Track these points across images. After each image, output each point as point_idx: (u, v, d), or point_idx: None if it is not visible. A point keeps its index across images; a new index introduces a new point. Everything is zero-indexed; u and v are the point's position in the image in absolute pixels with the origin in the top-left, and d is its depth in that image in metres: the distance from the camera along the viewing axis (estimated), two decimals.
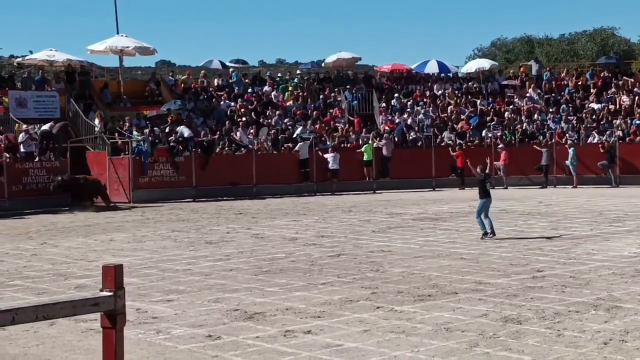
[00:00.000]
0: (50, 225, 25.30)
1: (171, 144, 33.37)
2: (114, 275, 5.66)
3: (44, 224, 25.49)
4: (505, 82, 44.27)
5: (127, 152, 32.42)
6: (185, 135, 33.86)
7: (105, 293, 5.66)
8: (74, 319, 11.00)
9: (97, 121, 33.73)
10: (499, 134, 38.55)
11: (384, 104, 41.22)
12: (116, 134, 33.46)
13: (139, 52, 39.97)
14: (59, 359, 10.29)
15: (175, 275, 15.89)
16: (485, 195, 20.02)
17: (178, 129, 34.11)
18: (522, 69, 46.65)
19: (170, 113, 35.78)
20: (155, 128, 34.29)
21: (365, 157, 36.31)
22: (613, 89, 41.56)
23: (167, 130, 34.34)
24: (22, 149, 30.94)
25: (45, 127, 32.14)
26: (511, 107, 41.41)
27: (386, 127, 39.03)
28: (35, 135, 32.05)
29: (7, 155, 30.05)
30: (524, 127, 39.24)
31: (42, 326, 11.11)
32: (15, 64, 43.76)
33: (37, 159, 31.06)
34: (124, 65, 41.05)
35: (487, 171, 20.79)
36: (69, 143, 31.93)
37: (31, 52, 42.15)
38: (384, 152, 36.74)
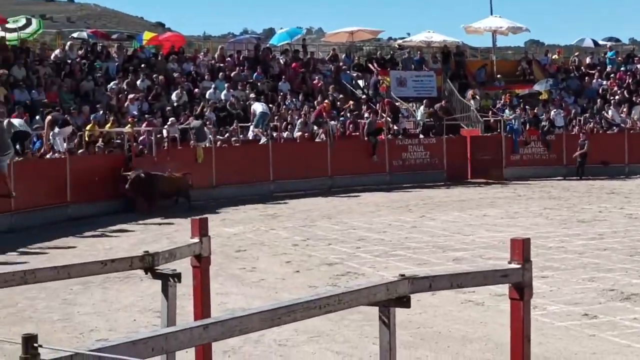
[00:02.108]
0: (427, 199, 26.31)
1: (542, 123, 33.72)
2: (522, 248, 5.87)
3: (422, 198, 26.53)
4: None
5: (499, 130, 33.27)
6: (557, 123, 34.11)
7: (513, 265, 5.89)
8: (454, 290, 11.70)
9: (472, 100, 34.84)
10: None
11: None
12: (490, 113, 34.39)
13: (512, 31, 40.55)
14: (441, 327, 10.87)
15: (548, 253, 16.00)
16: None
17: (552, 113, 34.33)
18: None
19: (542, 92, 36.16)
20: (526, 107, 34.79)
21: None
22: None
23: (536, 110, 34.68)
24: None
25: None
26: None
27: None
28: (412, 113, 33.79)
29: (388, 129, 31.75)
30: None
31: (424, 296, 11.41)
32: (396, 45, 45.68)
33: (420, 136, 32.61)
34: (496, 45, 41.72)
35: None
36: (445, 121, 33.27)
37: (409, 35, 43.88)
38: None
